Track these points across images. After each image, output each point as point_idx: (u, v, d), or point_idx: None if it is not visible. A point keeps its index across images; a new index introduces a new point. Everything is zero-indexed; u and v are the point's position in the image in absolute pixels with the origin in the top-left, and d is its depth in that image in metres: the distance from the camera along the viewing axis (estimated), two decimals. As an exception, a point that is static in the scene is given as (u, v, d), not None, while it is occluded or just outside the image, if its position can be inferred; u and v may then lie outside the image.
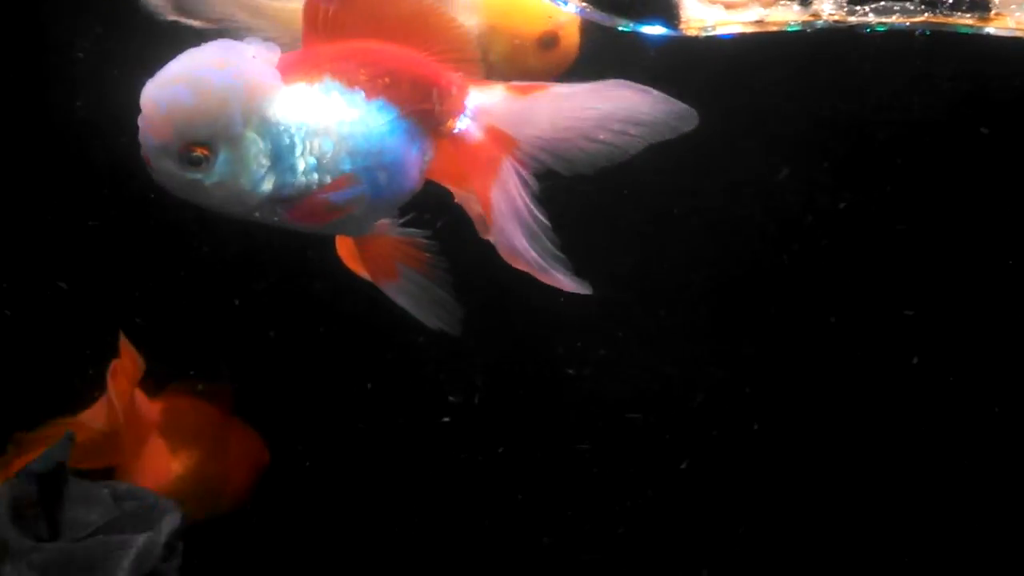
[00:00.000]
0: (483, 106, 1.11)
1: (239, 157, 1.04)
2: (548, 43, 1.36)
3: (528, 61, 1.34)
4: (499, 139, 1.10)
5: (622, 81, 1.09)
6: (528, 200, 1.09)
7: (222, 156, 1.03)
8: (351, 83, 1.07)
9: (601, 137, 1.09)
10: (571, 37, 1.37)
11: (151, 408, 1.67)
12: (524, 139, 1.10)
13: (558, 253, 1.10)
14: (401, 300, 1.15)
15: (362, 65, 1.08)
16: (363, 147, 1.08)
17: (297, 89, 1.06)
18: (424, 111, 1.09)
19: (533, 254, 1.09)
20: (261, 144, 1.04)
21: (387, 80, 1.08)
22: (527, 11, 1.34)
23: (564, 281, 1.10)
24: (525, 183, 1.10)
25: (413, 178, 1.12)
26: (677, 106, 1.09)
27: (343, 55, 1.08)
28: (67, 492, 1.46)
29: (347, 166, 1.08)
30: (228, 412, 1.73)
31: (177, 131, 1.01)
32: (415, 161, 1.11)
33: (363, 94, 1.08)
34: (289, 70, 1.06)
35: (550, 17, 1.34)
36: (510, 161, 1.09)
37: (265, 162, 1.05)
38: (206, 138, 1.02)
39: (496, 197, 1.10)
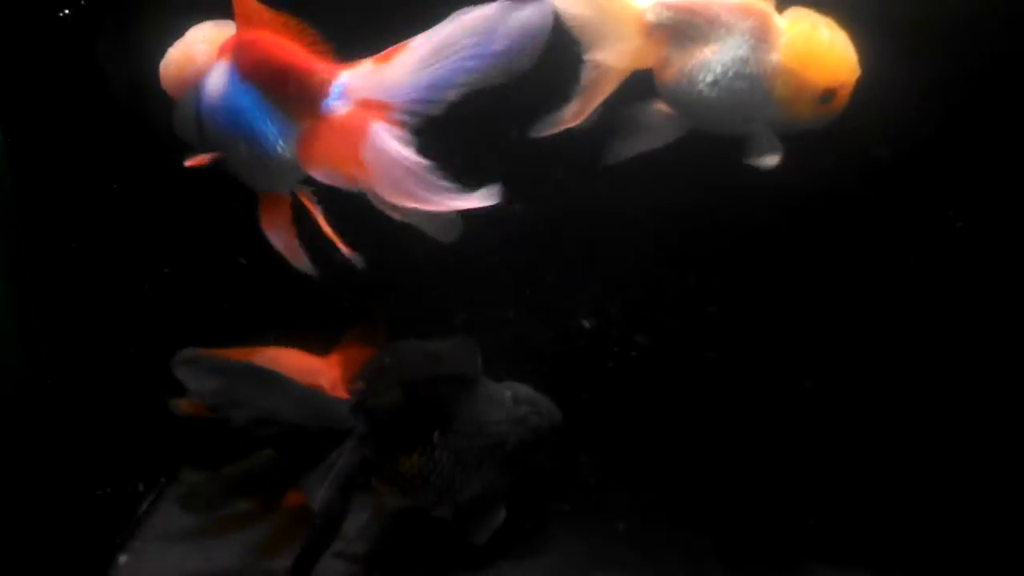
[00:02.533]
0: (351, 84, 1.26)
1: (184, 112, 1.40)
2: (827, 98, 1.36)
3: (804, 109, 1.37)
4: (373, 107, 1.24)
5: (464, 9, 1.21)
6: (405, 150, 1.22)
7: (180, 107, 1.42)
8: (235, 66, 1.31)
9: (472, 65, 1.20)
10: (845, 95, 1.37)
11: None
12: (396, 100, 1.23)
13: (447, 184, 1.21)
14: (274, 242, 1.39)
15: (246, 52, 1.30)
16: (230, 120, 1.32)
17: (215, 66, 1.34)
18: (287, 94, 1.27)
19: (421, 192, 1.21)
20: (193, 105, 1.37)
21: (258, 66, 1.29)
22: (822, 64, 1.35)
23: (460, 203, 1.21)
24: (401, 138, 1.22)
25: (278, 151, 1.30)
26: (527, 5, 1.19)
27: (241, 41, 1.31)
28: (478, 391, 1.70)
29: (218, 134, 1.34)
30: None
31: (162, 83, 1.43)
32: (275, 136, 1.29)
33: (239, 75, 1.30)
34: (220, 51, 1.34)
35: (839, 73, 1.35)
36: (380, 124, 1.23)
37: (192, 117, 1.37)
38: (172, 91, 1.42)
39: (371, 156, 1.23)
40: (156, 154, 1.63)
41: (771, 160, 1.37)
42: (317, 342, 1.81)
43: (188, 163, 1.36)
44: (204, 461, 1.87)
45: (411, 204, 1.22)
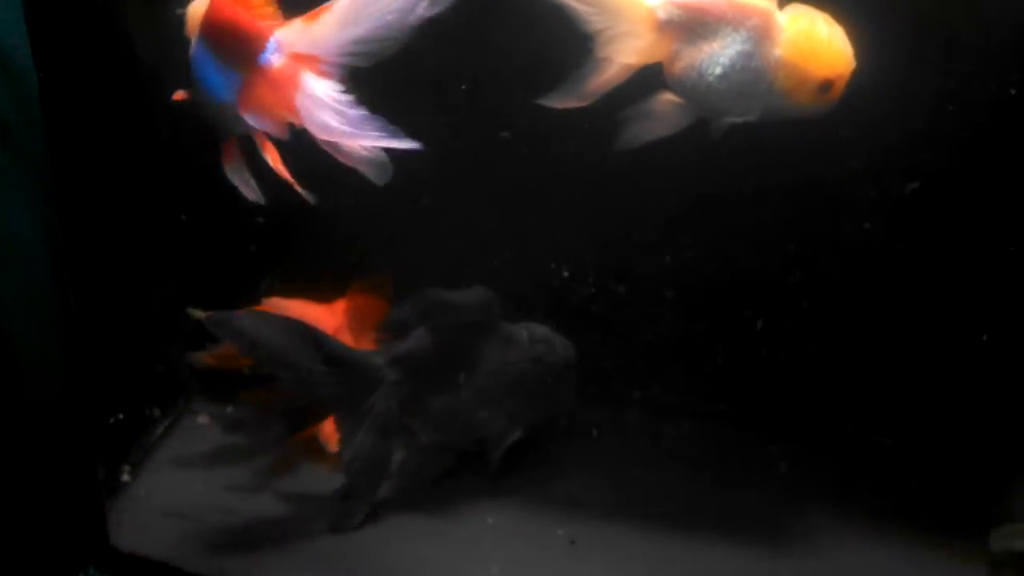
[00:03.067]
0: (284, 40, 1.45)
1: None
2: (825, 88, 1.47)
3: (803, 98, 1.48)
4: (303, 59, 1.44)
5: None
6: (332, 95, 1.42)
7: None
8: (201, 28, 1.51)
9: (392, 20, 1.37)
10: (842, 85, 1.47)
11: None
12: (324, 52, 1.43)
13: (372, 125, 1.40)
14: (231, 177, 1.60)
15: (208, 12, 1.50)
16: (195, 70, 1.53)
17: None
18: (231, 49, 1.48)
19: (346, 127, 1.41)
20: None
21: (211, 24, 1.49)
22: (820, 57, 1.45)
23: (383, 140, 1.40)
24: (330, 85, 1.42)
25: (225, 100, 1.50)
26: None
27: (210, 7, 1.51)
28: (497, 334, 1.88)
29: (192, 82, 1.55)
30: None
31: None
32: (222, 86, 1.50)
33: (201, 33, 1.51)
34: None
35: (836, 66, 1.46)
36: (310, 73, 1.43)
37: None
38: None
39: (302, 101, 1.44)
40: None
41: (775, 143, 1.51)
42: (318, 292, 1.96)
43: (173, 97, 1.59)
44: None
45: (340, 141, 1.43)
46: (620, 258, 2.00)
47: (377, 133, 1.40)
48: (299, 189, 1.52)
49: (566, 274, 2.01)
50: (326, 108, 1.42)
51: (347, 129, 1.41)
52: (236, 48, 1.47)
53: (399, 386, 1.78)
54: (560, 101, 1.52)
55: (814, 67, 1.45)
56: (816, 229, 1.88)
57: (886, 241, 1.86)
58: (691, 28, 1.49)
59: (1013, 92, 1.68)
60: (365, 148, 1.42)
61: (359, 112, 1.41)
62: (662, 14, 1.49)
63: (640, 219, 1.94)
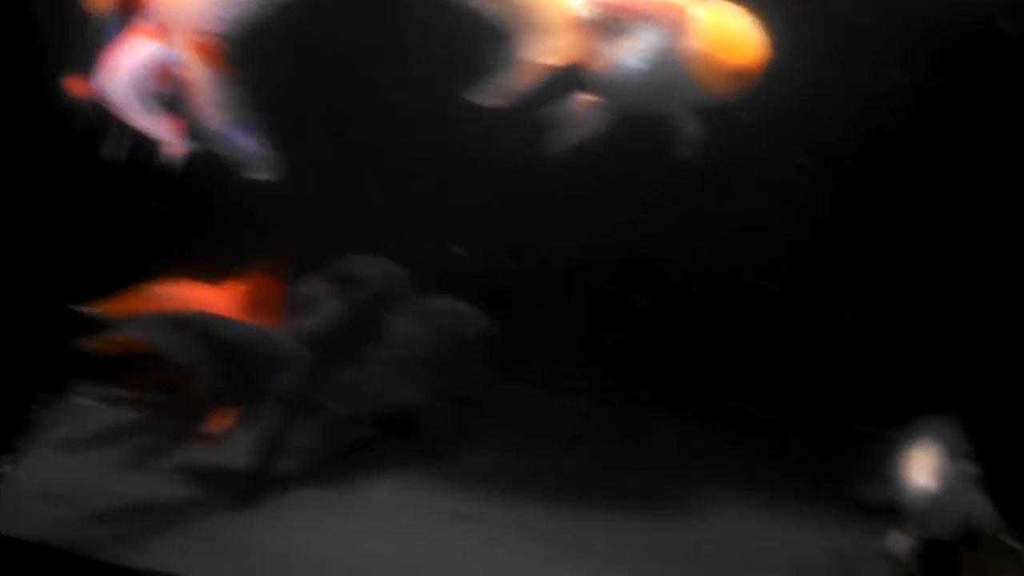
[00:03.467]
0: (153, 8, 1.49)
1: None
2: (740, 76, 1.53)
3: (720, 87, 1.54)
4: (164, 27, 1.47)
5: None
6: (144, 61, 1.48)
7: None
8: None
9: None
10: (756, 74, 1.53)
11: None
12: (180, 25, 1.46)
13: (158, 113, 1.48)
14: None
15: None
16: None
17: None
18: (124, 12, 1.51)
19: (129, 99, 1.48)
20: None
21: None
22: (734, 47, 1.51)
23: (154, 127, 1.50)
24: (157, 57, 1.48)
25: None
26: None
27: None
28: (406, 308, 1.90)
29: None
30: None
31: None
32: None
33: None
34: None
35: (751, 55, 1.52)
36: (148, 38, 1.48)
37: None
38: None
39: (120, 55, 1.48)
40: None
41: (690, 132, 1.55)
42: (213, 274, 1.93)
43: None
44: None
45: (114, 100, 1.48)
46: (515, 237, 2.05)
47: (155, 119, 1.47)
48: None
49: (460, 251, 2.05)
50: (132, 71, 1.47)
51: (126, 99, 1.47)
52: (124, 11, 1.50)
53: (306, 363, 1.79)
54: (488, 97, 1.53)
55: (730, 57, 1.50)
56: (703, 210, 1.96)
57: (774, 224, 1.95)
58: (610, 26, 1.52)
59: (910, 80, 1.80)
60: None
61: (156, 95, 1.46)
62: (582, 13, 1.52)
63: (539, 200, 1.98)
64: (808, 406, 2.07)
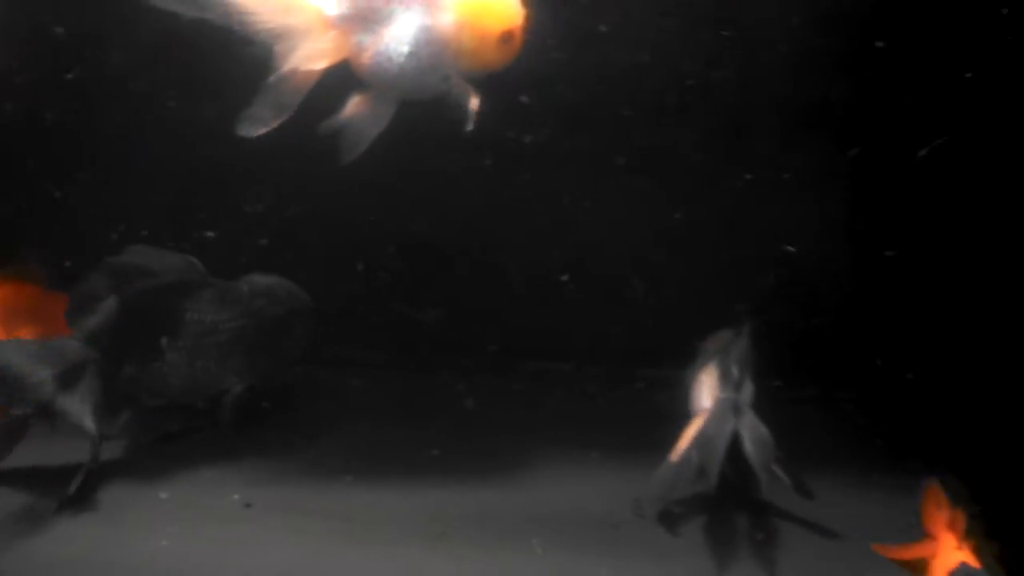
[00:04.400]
0: None
1: None
2: (505, 39, 1.53)
3: (488, 54, 1.54)
4: None
5: None
6: None
7: None
8: None
9: None
10: (519, 35, 1.54)
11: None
12: None
13: None
14: None
15: None
16: None
17: None
18: None
19: None
20: None
21: None
22: (493, 12, 1.52)
23: None
24: None
25: None
26: None
27: None
28: (205, 293, 1.86)
29: None
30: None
31: None
32: None
33: None
34: None
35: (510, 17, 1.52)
36: None
37: None
38: None
39: None
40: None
41: (474, 104, 1.53)
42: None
43: None
44: None
45: None
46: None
47: None
48: None
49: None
50: None
51: None
52: None
53: (99, 363, 1.74)
54: (256, 127, 1.48)
55: (490, 22, 1.50)
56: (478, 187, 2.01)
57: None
58: (365, 17, 1.49)
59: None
60: None
61: None
62: (333, 11, 1.49)
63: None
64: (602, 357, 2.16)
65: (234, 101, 1.48)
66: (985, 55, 1.88)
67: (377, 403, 2.11)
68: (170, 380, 1.84)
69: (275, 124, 1.47)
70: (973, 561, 1.50)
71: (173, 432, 1.91)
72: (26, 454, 1.75)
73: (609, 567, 1.61)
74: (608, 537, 1.71)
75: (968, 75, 1.86)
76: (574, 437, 2.00)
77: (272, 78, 1.47)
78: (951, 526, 1.59)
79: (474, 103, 1.54)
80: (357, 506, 1.76)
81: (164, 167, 1.99)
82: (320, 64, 1.50)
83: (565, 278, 2.10)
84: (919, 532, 1.62)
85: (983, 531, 1.61)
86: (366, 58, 1.52)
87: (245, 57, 1.47)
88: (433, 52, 1.52)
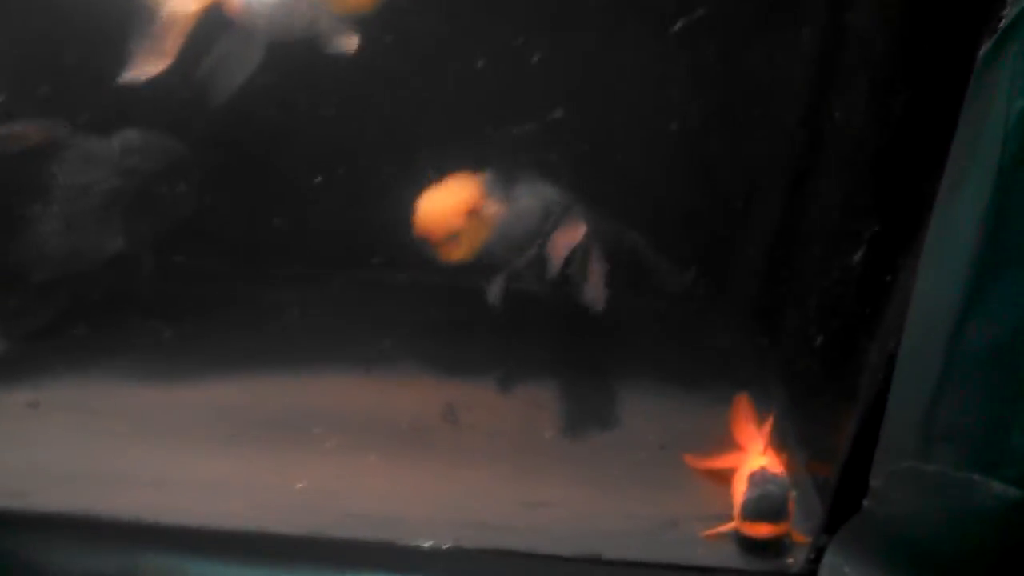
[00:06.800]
0: None
1: None
2: None
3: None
4: None
5: None
6: None
7: None
8: None
9: None
10: None
11: None
12: None
13: None
14: None
15: None
16: None
17: None
18: None
19: None
20: None
21: None
22: None
23: None
24: None
25: None
26: None
27: None
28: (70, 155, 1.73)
29: None
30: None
31: None
32: None
33: None
34: None
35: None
36: None
37: None
38: None
39: None
40: None
41: (350, 43, 1.56)
42: None
43: None
44: None
45: None
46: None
47: None
48: None
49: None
50: None
51: None
52: None
53: None
54: (141, 71, 1.49)
55: None
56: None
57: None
58: None
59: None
60: None
61: None
62: None
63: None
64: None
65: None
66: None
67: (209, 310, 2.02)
68: (47, 249, 1.72)
69: (156, 70, 1.49)
70: (775, 468, 1.47)
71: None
72: None
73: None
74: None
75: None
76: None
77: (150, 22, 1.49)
78: (757, 436, 1.61)
79: (351, 43, 1.56)
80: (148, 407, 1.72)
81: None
82: (193, 5, 1.51)
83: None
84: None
85: (794, 440, 1.60)
86: (238, 2, 1.54)
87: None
88: None
